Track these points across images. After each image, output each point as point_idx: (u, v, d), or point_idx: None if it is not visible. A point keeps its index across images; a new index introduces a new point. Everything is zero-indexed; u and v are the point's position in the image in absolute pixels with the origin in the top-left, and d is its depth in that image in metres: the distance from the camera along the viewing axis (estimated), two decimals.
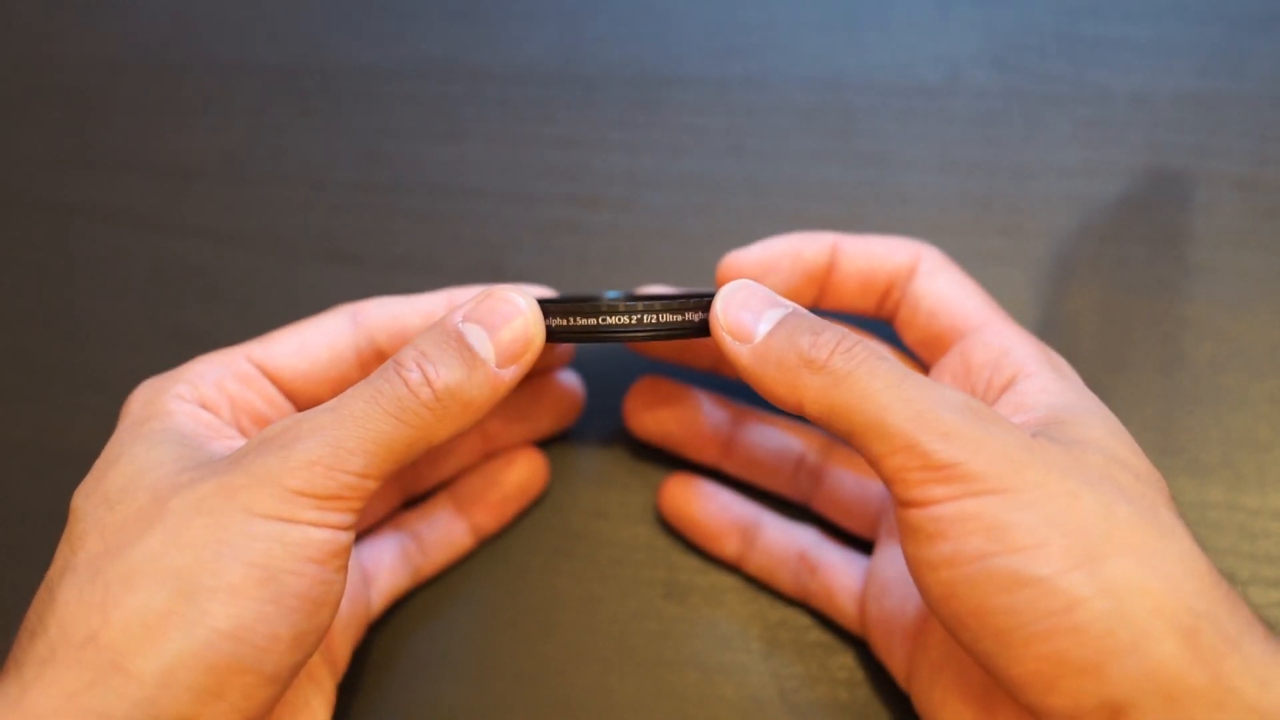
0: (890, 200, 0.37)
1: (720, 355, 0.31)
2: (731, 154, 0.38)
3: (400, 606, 0.32)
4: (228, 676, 0.22)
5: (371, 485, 0.24)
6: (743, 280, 0.26)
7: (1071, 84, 0.38)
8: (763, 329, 0.25)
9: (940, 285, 0.29)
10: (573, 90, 0.39)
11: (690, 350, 0.32)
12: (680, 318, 0.27)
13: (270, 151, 0.39)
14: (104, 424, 0.27)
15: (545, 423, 0.33)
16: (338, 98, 0.40)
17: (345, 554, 0.24)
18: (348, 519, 0.24)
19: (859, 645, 0.31)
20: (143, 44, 0.42)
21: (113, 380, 0.33)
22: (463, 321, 0.26)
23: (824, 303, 0.30)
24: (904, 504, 0.23)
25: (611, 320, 0.26)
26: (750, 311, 0.26)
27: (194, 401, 0.27)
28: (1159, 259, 0.35)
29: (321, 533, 0.23)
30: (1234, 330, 0.34)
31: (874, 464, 0.24)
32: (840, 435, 0.24)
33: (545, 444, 0.34)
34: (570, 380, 0.34)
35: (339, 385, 0.29)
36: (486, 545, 0.33)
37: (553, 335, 0.26)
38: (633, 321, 0.26)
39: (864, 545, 0.31)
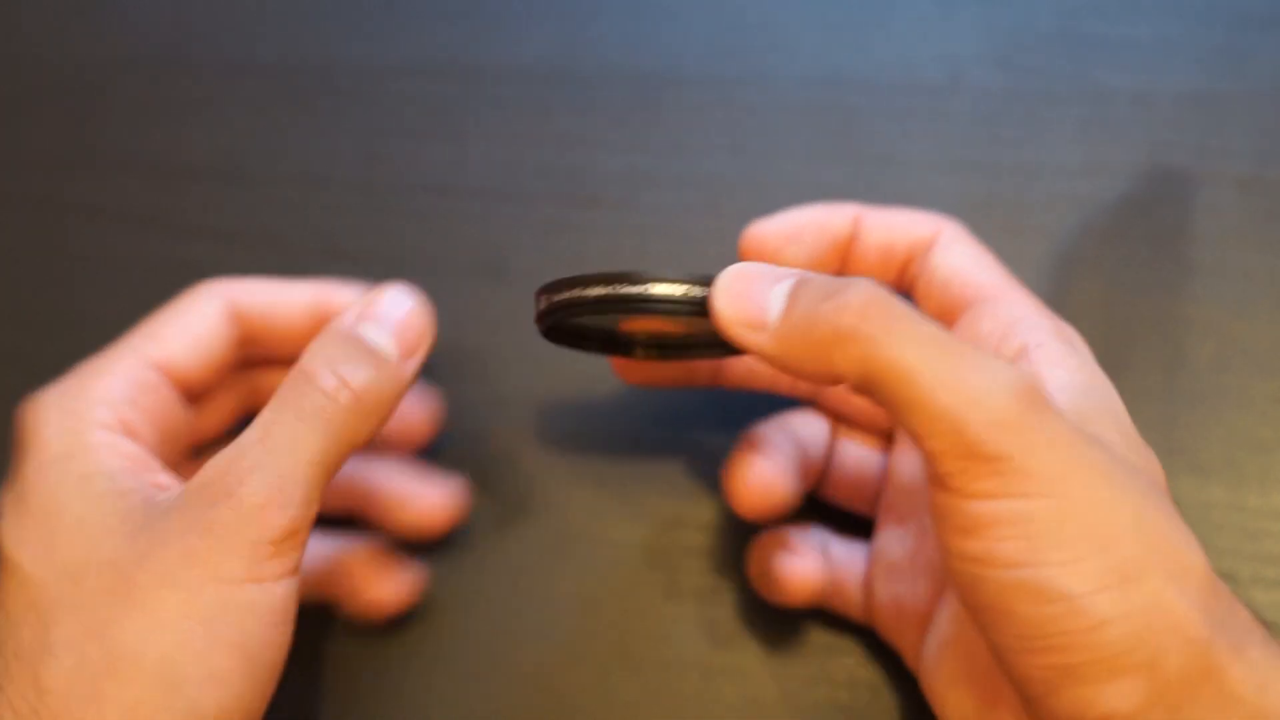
0: (891, 200, 0.36)
1: (716, 368, 0.31)
2: (731, 154, 0.38)
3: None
4: None
5: (315, 508, 0.24)
6: (734, 267, 0.24)
7: (1073, 84, 0.38)
8: (775, 309, 0.23)
9: (954, 256, 0.29)
10: (573, 90, 0.39)
11: (689, 372, 0.31)
12: (683, 290, 0.25)
13: (270, 151, 0.39)
14: None
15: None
16: (338, 97, 0.40)
17: (298, 597, 0.25)
18: (299, 555, 0.24)
19: (860, 647, 0.31)
20: (142, 43, 0.42)
21: None
22: (358, 323, 0.26)
23: (845, 273, 0.30)
24: (941, 487, 0.22)
25: (627, 290, 0.25)
26: (757, 294, 0.24)
27: (116, 429, 0.26)
28: (1161, 259, 0.35)
29: (283, 585, 0.24)
30: (1236, 330, 0.34)
31: (913, 438, 0.22)
32: (878, 403, 0.23)
33: (548, 445, 0.34)
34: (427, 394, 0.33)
35: (220, 374, 0.29)
36: (486, 546, 0.33)
37: (561, 308, 0.25)
38: (642, 292, 0.24)
39: (861, 525, 0.31)
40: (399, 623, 0.32)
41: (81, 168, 0.40)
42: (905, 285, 0.30)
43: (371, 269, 0.37)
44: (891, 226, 0.30)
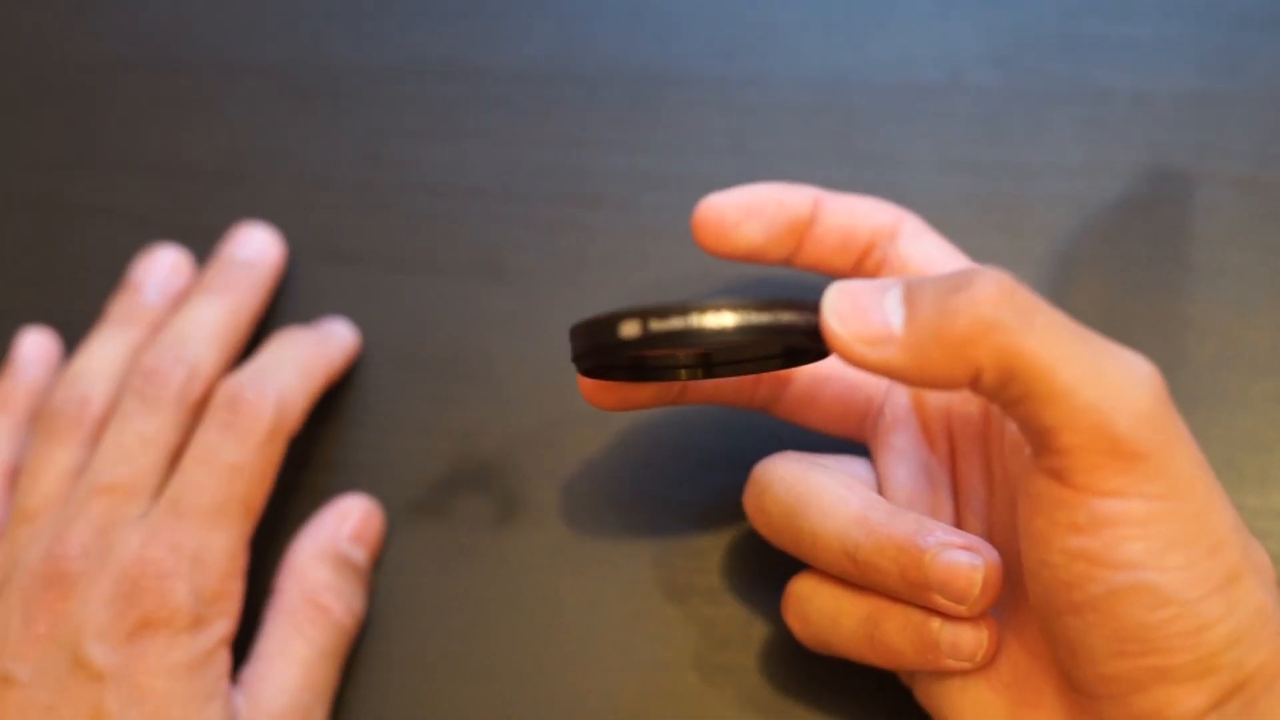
0: (890, 200, 0.37)
1: (682, 389, 0.29)
2: (731, 154, 0.38)
3: (398, 608, 0.32)
4: None
5: None
6: (835, 287, 0.23)
7: (1073, 83, 0.38)
8: (896, 318, 0.22)
9: (926, 247, 0.29)
10: (573, 90, 0.39)
11: (657, 394, 0.29)
12: (805, 318, 0.23)
13: (270, 151, 0.39)
14: None
15: None
16: (338, 98, 0.40)
17: None
18: None
19: None
20: (143, 43, 0.42)
21: None
22: (351, 544, 0.31)
23: (800, 257, 0.30)
24: (1061, 482, 0.21)
25: (696, 324, 0.22)
26: (870, 307, 0.22)
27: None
28: (1160, 259, 0.35)
29: None
30: (1236, 330, 0.34)
31: (1041, 432, 0.21)
32: (1006, 400, 0.21)
33: (548, 445, 0.34)
34: None
35: None
36: (486, 546, 0.33)
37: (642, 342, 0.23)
38: (717, 327, 0.22)
39: None
40: (398, 623, 0.32)
41: (81, 168, 0.40)
42: (865, 273, 0.30)
43: (371, 269, 0.37)
44: (853, 212, 0.29)
